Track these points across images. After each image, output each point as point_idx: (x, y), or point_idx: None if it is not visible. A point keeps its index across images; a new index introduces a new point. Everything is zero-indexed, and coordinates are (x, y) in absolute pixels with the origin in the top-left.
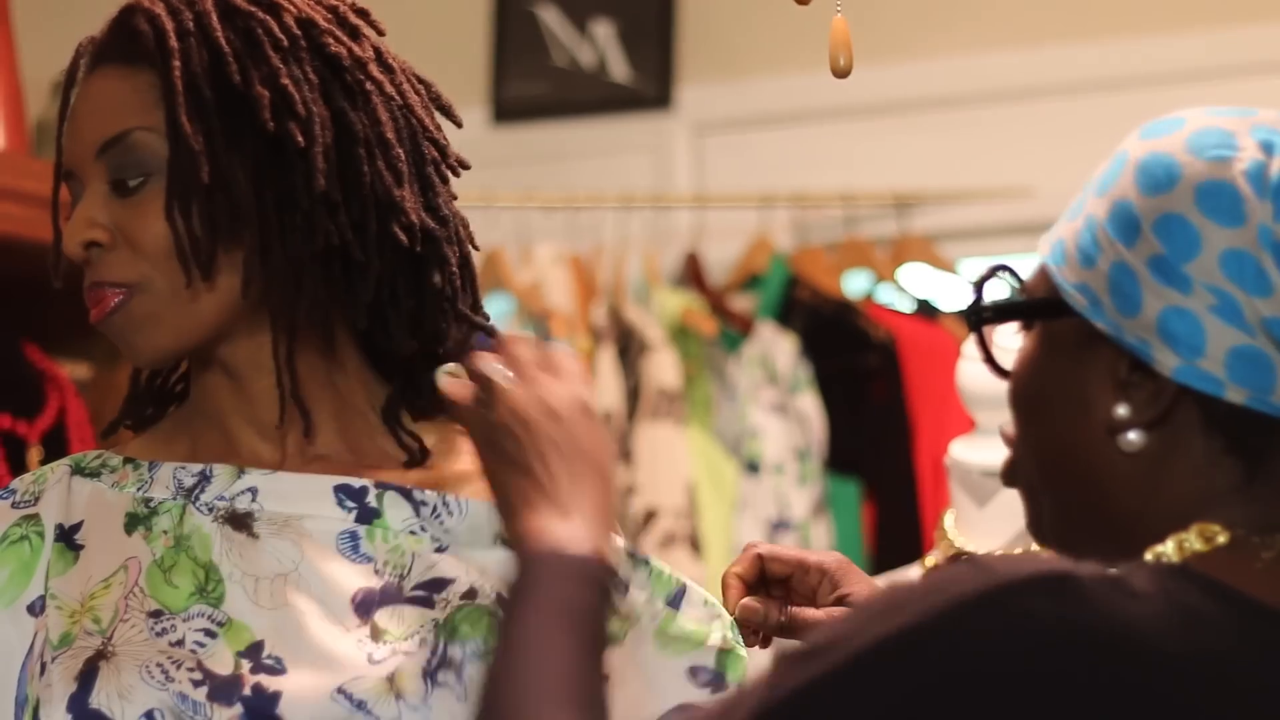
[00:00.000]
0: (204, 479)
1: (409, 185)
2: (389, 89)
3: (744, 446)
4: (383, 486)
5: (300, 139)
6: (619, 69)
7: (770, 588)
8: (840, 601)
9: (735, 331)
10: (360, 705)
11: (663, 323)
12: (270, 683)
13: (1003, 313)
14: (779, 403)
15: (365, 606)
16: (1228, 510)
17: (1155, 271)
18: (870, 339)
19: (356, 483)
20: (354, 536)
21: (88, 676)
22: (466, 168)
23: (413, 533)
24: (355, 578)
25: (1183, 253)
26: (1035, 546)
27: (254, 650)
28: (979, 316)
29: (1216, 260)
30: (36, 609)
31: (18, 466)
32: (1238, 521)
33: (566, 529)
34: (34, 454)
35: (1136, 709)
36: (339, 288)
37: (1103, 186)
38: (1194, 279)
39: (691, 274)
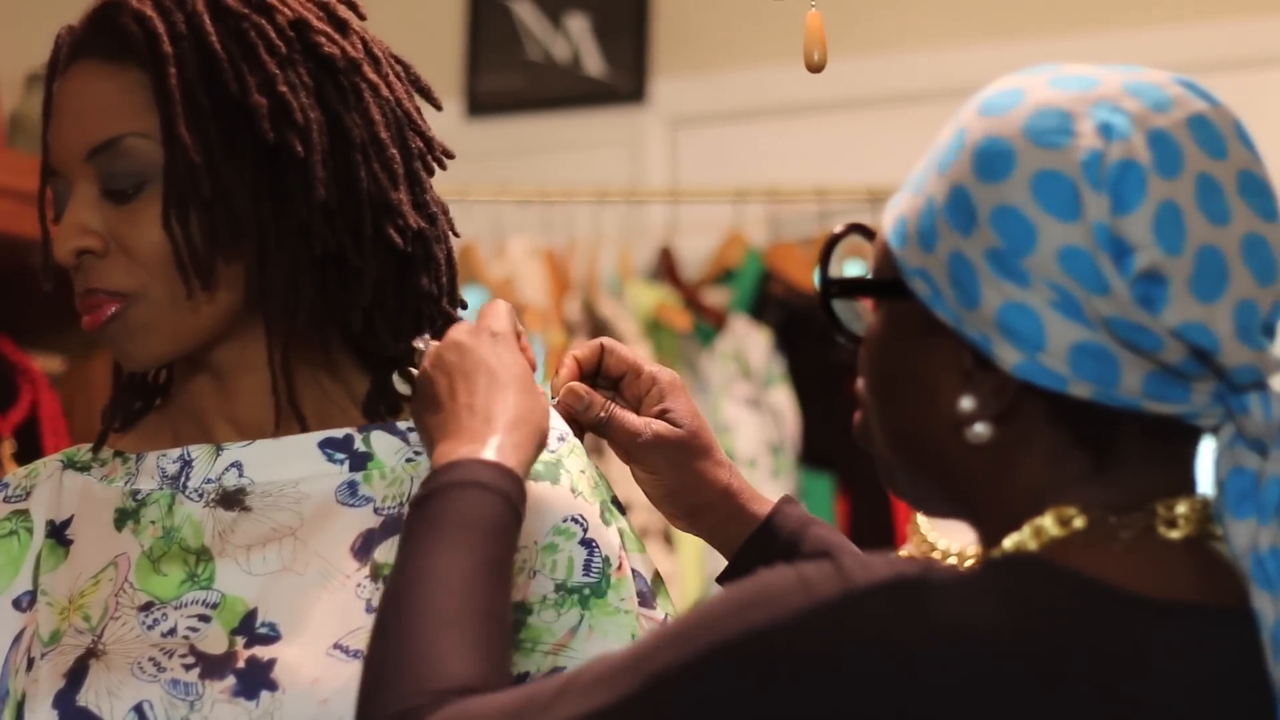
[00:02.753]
0: (185, 463)
1: (403, 186)
2: (382, 89)
3: (718, 441)
4: (365, 429)
5: (299, 148)
6: (593, 63)
7: (601, 382)
8: (662, 415)
9: (709, 326)
10: (356, 655)
11: (636, 317)
12: (264, 653)
13: (849, 289)
14: (752, 397)
15: (365, 549)
16: (1082, 494)
17: (993, 264)
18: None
19: (339, 433)
20: (353, 485)
21: (77, 674)
22: (451, 157)
23: (409, 460)
24: (356, 524)
25: (1019, 247)
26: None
27: (247, 623)
28: (826, 291)
29: (1054, 256)
30: (23, 604)
31: None
32: (1094, 504)
33: (471, 448)
34: (6, 447)
35: (980, 714)
36: (334, 292)
37: (943, 164)
38: (1032, 274)
39: (665, 268)
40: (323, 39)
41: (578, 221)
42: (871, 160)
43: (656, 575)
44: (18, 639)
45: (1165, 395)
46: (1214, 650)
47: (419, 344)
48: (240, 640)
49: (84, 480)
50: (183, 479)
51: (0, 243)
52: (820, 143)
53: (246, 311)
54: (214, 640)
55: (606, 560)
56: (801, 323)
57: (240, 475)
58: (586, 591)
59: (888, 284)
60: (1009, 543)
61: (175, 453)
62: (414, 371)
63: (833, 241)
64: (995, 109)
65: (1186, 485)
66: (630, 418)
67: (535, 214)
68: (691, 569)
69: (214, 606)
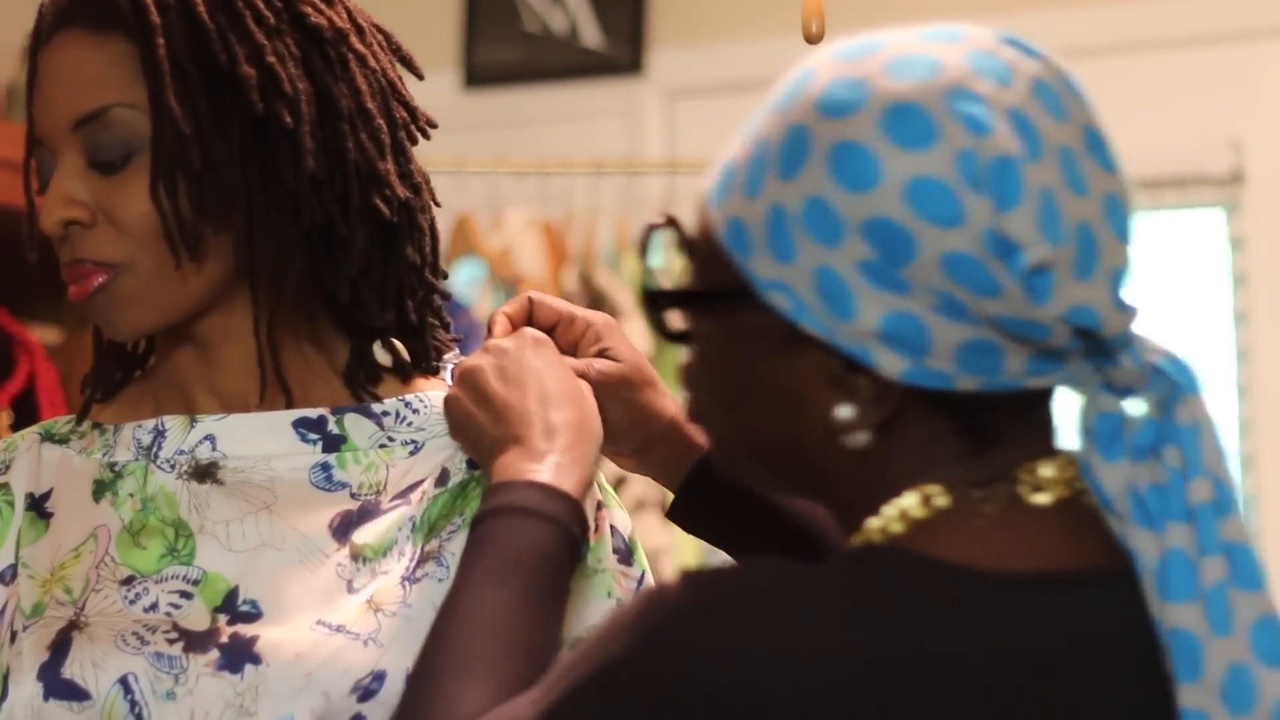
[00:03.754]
0: (159, 434)
1: (389, 156)
2: (369, 60)
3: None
4: (339, 411)
5: (288, 119)
6: (590, 34)
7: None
8: (601, 353)
9: None
10: (339, 629)
11: (634, 289)
12: (247, 630)
13: (685, 301)
14: None
15: (343, 529)
16: (949, 473)
17: (868, 276)
18: None
19: (313, 413)
20: (326, 467)
21: (60, 647)
22: (434, 127)
23: (383, 445)
24: (332, 505)
25: (897, 257)
26: None
27: (230, 600)
28: (656, 303)
29: (936, 264)
30: (6, 578)
31: None
32: (959, 480)
33: (528, 467)
34: (3, 418)
35: None
36: (321, 263)
37: (785, 169)
38: (912, 283)
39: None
40: (310, 9)
41: (575, 193)
42: None
43: (632, 534)
44: (0, 613)
45: (1046, 371)
46: (1086, 614)
47: (450, 359)
48: (223, 618)
49: (62, 452)
50: (155, 449)
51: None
52: None
53: (233, 282)
54: (197, 617)
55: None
56: None
57: (213, 449)
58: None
59: (736, 294)
60: (873, 526)
61: (150, 423)
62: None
63: (649, 233)
64: (839, 108)
65: (1048, 448)
66: (576, 362)
67: (532, 185)
68: (687, 540)
69: (195, 583)
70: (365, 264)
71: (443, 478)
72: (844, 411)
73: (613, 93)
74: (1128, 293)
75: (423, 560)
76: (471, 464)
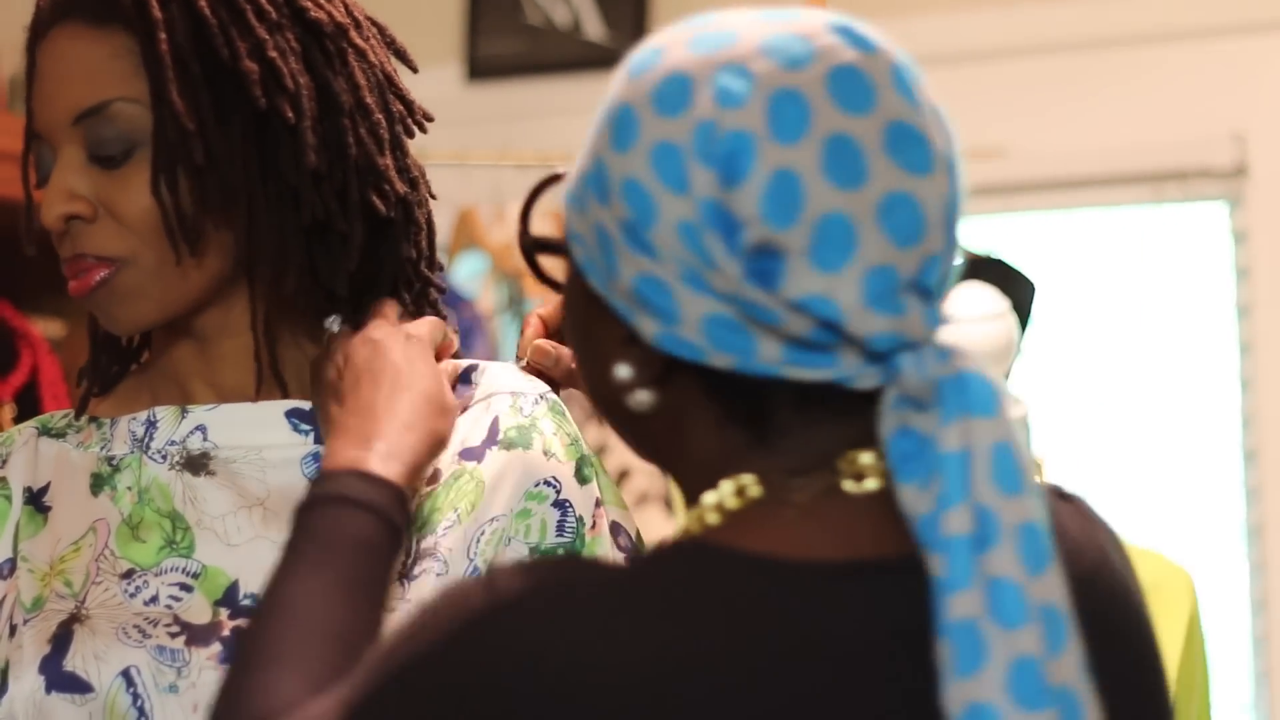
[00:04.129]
0: (151, 425)
1: (388, 151)
2: (368, 54)
3: None
4: None
5: (290, 114)
6: (593, 27)
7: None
8: None
9: None
10: None
11: None
12: None
13: (540, 246)
14: None
15: None
16: (757, 461)
17: (626, 236)
18: None
19: (306, 405)
20: (317, 458)
21: (62, 640)
22: (431, 120)
23: None
24: None
25: (644, 220)
26: None
27: (230, 594)
28: (525, 244)
29: (673, 230)
30: (4, 571)
31: None
32: (772, 469)
33: (355, 455)
34: (6, 411)
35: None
36: (319, 257)
37: (595, 128)
38: (658, 247)
39: None
40: (309, 3)
41: None
42: None
43: (638, 532)
44: None
45: (807, 363)
46: (895, 603)
47: (330, 324)
48: (224, 612)
49: (59, 446)
50: (146, 440)
51: (2, 207)
52: None
53: (232, 277)
54: (198, 611)
55: (580, 520)
56: None
57: (204, 439)
58: (560, 553)
59: (563, 245)
60: (692, 515)
61: (143, 414)
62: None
63: (537, 190)
64: (635, 71)
65: (869, 438)
66: None
67: (536, 178)
68: None
69: (195, 576)
70: (363, 259)
71: (435, 474)
72: (621, 371)
73: None
74: (918, 295)
75: (420, 557)
76: (464, 455)
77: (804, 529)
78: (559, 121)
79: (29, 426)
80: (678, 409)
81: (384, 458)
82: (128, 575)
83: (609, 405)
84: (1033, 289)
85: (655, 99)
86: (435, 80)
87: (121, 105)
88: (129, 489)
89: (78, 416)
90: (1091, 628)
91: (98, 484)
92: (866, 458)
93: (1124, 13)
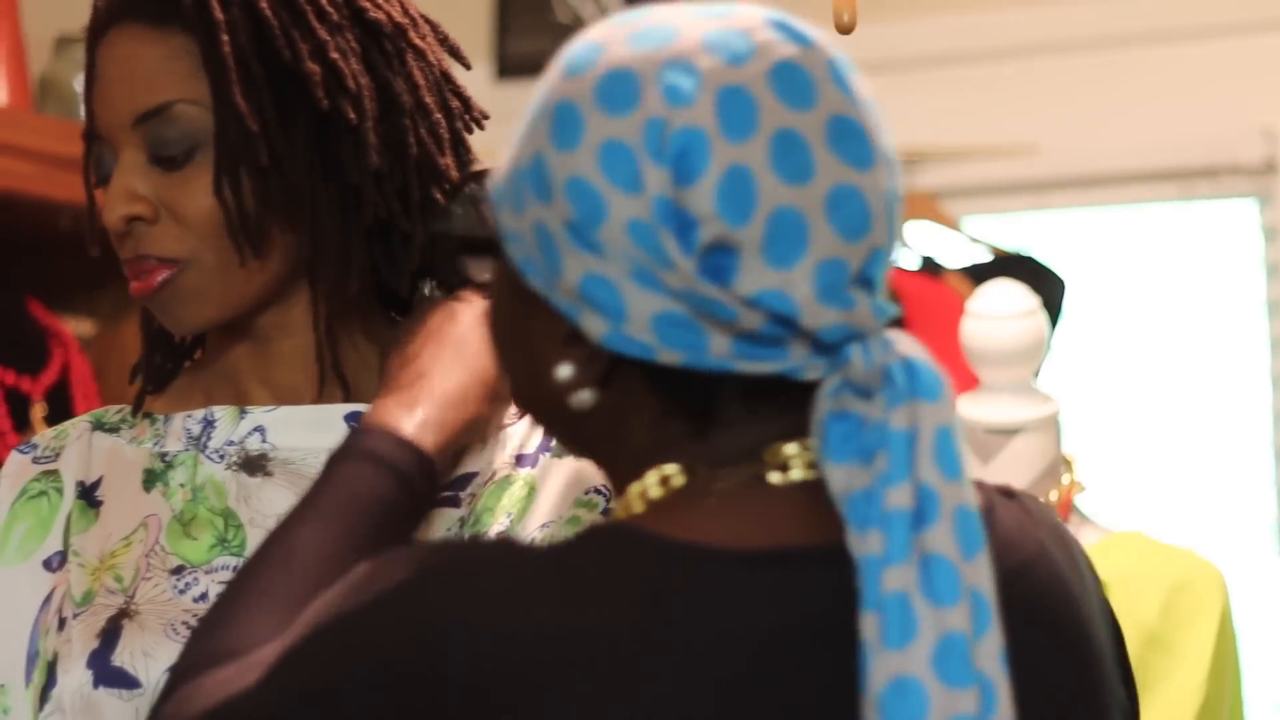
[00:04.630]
0: (208, 424)
1: (448, 150)
2: (427, 54)
3: None
4: None
5: (352, 115)
6: None
7: None
8: None
9: None
10: None
11: None
12: None
13: (468, 243)
14: None
15: None
16: (683, 452)
17: (572, 235)
18: None
19: (365, 407)
20: None
21: (110, 635)
22: (486, 118)
23: None
24: None
25: (592, 219)
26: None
27: None
28: (449, 243)
29: (623, 229)
30: (54, 564)
31: (21, 423)
32: (699, 460)
33: (394, 415)
34: (37, 410)
35: (535, 705)
36: (381, 257)
37: (530, 124)
38: (606, 246)
39: None
40: (368, 4)
41: None
42: (902, 122)
43: None
44: (48, 599)
45: (758, 356)
46: (815, 591)
47: (423, 287)
48: None
49: (113, 441)
50: (204, 439)
51: (31, 206)
52: None
53: (293, 277)
54: None
55: None
56: None
57: (263, 440)
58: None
59: (497, 244)
60: (618, 506)
61: (200, 413)
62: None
63: (460, 184)
64: (574, 68)
65: (801, 431)
66: None
67: None
68: None
69: None
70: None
71: (490, 475)
72: (563, 370)
73: None
74: (863, 288)
75: None
76: (519, 461)
77: (725, 517)
78: None
79: (84, 420)
80: (618, 405)
81: (422, 425)
82: (178, 571)
83: (544, 404)
84: (1063, 286)
85: (600, 96)
86: (465, 78)
87: (183, 107)
88: (182, 486)
89: (135, 413)
90: (1017, 621)
91: (150, 480)
92: (790, 448)
93: (1154, 10)
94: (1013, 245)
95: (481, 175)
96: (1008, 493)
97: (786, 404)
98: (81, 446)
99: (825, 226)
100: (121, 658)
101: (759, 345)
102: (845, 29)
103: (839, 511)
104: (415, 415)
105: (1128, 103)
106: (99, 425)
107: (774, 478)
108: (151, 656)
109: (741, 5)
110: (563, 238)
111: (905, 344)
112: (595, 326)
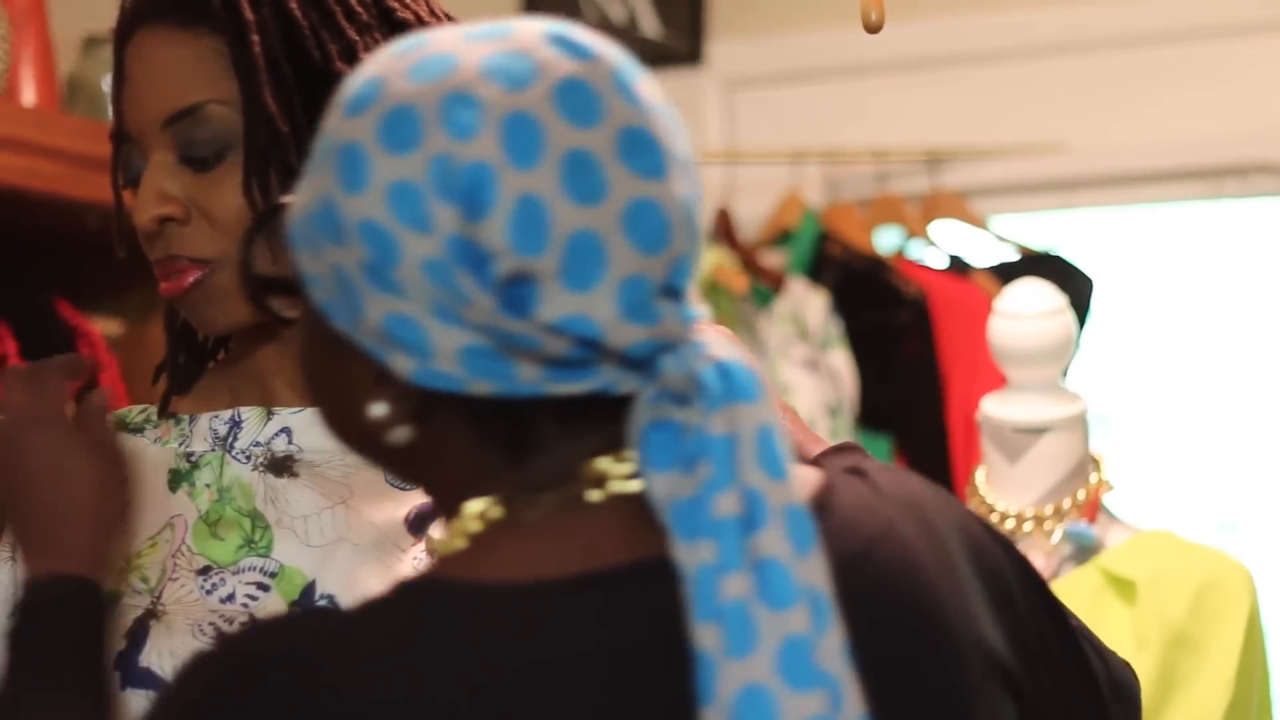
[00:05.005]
0: (235, 425)
1: None
2: None
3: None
4: None
5: None
6: (649, 25)
7: None
8: None
9: (766, 287)
10: None
11: (693, 278)
12: None
13: (270, 285)
14: (810, 359)
15: (419, 522)
16: (501, 481)
17: (369, 277)
18: (902, 295)
19: None
20: None
21: (138, 635)
22: None
23: None
24: (408, 500)
25: (386, 260)
26: (1069, 503)
27: (307, 595)
28: (250, 286)
29: (419, 269)
30: None
31: None
32: (516, 488)
33: (35, 564)
34: (67, 410)
35: None
36: None
37: (314, 164)
38: (404, 285)
39: (722, 230)
40: (396, 4)
41: None
42: (930, 121)
43: None
44: None
45: (569, 379)
46: (629, 613)
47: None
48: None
49: (137, 442)
50: (230, 440)
51: (58, 207)
52: (878, 103)
53: None
54: (274, 610)
55: None
56: (859, 284)
57: (289, 442)
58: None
59: (298, 286)
60: (441, 541)
61: (226, 414)
62: None
63: (259, 224)
64: (355, 106)
65: (622, 445)
66: None
67: None
68: None
69: (273, 575)
70: None
71: None
72: (376, 410)
73: (672, 83)
74: (669, 299)
75: None
76: None
77: (539, 547)
78: None
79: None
80: (437, 439)
81: (54, 558)
82: (204, 572)
83: (363, 441)
84: (1091, 285)
85: (383, 136)
86: None
87: (213, 108)
88: (208, 486)
89: (161, 413)
90: (858, 606)
91: (175, 480)
92: (605, 462)
93: (1182, 7)
94: (1040, 244)
95: (280, 210)
96: (857, 470)
97: (605, 420)
98: None
99: (623, 244)
100: (149, 658)
101: (568, 369)
102: (873, 28)
103: (662, 522)
104: (42, 553)
105: (1155, 101)
106: (123, 425)
107: (593, 495)
108: (178, 658)
109: (520, 21)
110: (360, 280)
111: (719, 347)
112: (403, 365)
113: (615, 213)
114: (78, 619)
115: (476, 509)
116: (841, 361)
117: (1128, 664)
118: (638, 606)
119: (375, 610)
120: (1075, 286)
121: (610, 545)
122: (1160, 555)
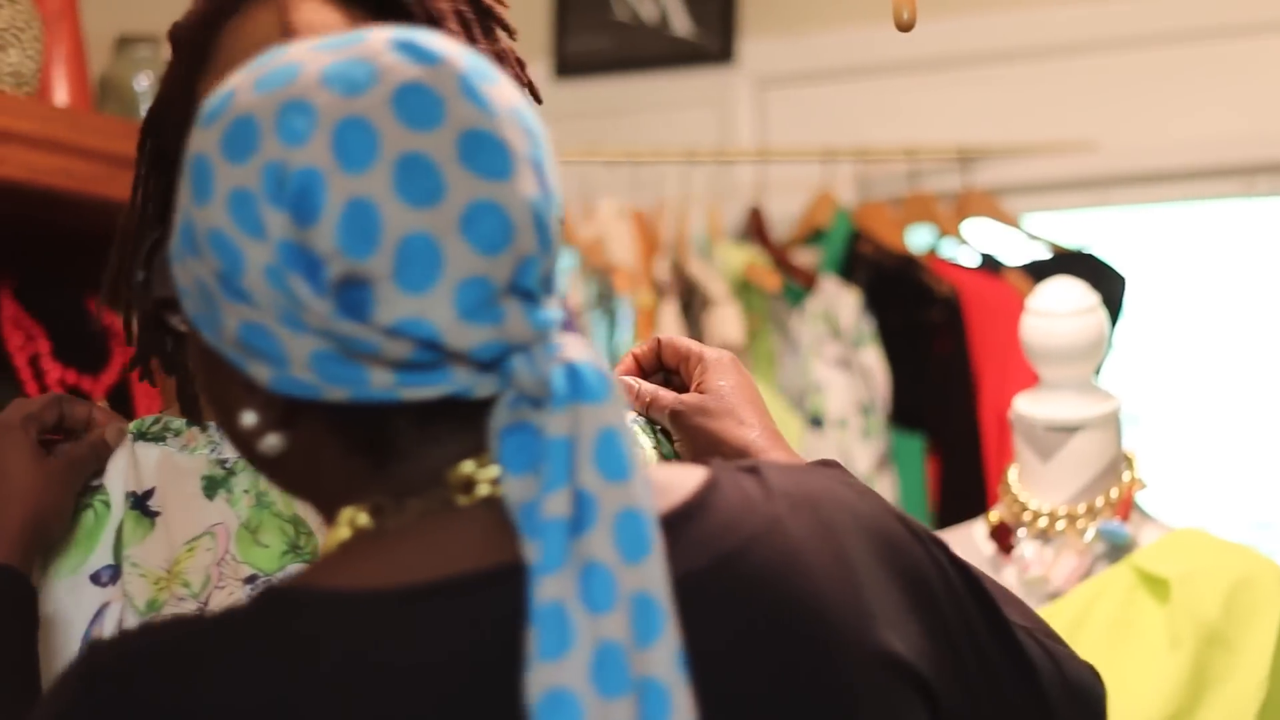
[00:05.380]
0: None
1: None
2: (508, 56)
3: (807, 401)
4: None
5: None
6: (681, 23)
7: (670, 373)
8: (698, 388)
9: (798, 286)
10: None
11: (726, 277)
12: None
13: (163, 304)
14: (842, 357)
15: None
16: (370, 489)
17: (223, 287)
18: (934, 293)
19: None
20: None
21: None
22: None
23: None
24: None
25: (234, 269)
26: (1101, 502)
27: None
28: (147, 304)
29: (261, 276)
30: (103, 578)
31: None
32: (385, 495)
33: None
34: None
35: None
36: None
37: (182, 178)
38: (252, 293)
39: (754, 228)
40: (498, 25)
41: (666, 182)
42: (961, 119)
43: None
44: (100, 614)
45: (420, 383)
46: (485, 615)
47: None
48: None
49: (161, 450)
50: None
51: (90, 206)
52: (909, 102)
53: None
54: None
55: None
56: (891, 282)
57: None
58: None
59: (176, 301)
60: (320, 547)
61: None
62: None
63: (155, 247)
64: (207, 119)
65: (483, 449)
66: (664, 394)
67: (624, 175)
68: None
69: None
70: None
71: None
72: (247, 418)
73: (703, 81)
74: (521, 299)
75: None
76: None
77: (399, 554)
78: (647, 118)
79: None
80: (309, 446)
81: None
82: (250, 580)
83: (247, 453)
84: (1123, 283)
85: (224, 146)
86: None
87: None
88: (245, 492)
89: (197, 424)
90: (733, 604)
91: (211, 487)
92: (468, 466)
93: (1214, 5)
94: (1073, 242)
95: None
96: (751, 468)
97: (468, 424)
98: (126, 457)
99: (461, 245)
100: None
101: (417, 372)
102: (905, 26)
103: (515, 523)
104: None
105: (1188, 98)
106: (141, 435)
107: (460, 500)
108: None
109: (371, 31)
110: (216, 290)
111: (572, 348)
112: (261, 372)
113: (453, 214)
114: (14, 609)
115: (347, 516)
116: (874, 360)
117: (1090, 666)
118: (494, 611)
119: (238, 617)
120: (1107, 285)
121: (475, 550)
122: (1193, 553)
